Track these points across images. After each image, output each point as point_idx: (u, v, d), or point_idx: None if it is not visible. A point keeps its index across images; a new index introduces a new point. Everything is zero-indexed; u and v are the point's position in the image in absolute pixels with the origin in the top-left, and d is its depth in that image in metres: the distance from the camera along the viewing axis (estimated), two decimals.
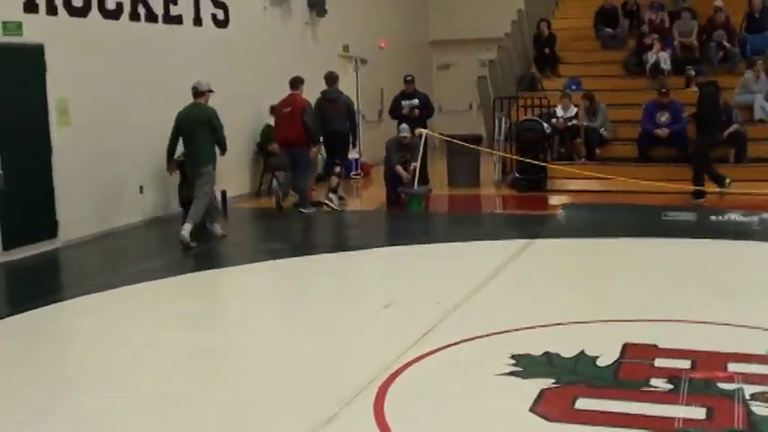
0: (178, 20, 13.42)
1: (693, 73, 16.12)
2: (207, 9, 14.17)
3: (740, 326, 6.59)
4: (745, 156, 14.46)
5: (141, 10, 12.59)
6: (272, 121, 14.80)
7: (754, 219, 11.34)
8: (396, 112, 15.16)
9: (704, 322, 6.71)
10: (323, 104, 13.78)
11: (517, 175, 14.54)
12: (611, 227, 10.96)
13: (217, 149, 10.98)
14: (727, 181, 13.14)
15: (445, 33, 23.36)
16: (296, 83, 13.38)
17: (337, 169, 13.65)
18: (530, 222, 11.92)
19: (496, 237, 10.63)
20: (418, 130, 13.29)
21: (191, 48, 13.40)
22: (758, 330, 6.48)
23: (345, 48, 18.96)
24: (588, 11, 19.35)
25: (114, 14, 12.08)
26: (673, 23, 17.98)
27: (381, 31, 20.70)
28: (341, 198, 13.83)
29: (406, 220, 12.65)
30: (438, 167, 15.97)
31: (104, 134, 11.65)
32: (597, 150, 14.85)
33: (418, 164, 13.13)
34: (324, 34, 18.01)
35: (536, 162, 14.01)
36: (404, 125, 13.67)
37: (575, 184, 14.19)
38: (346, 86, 17.73)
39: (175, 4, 13.31)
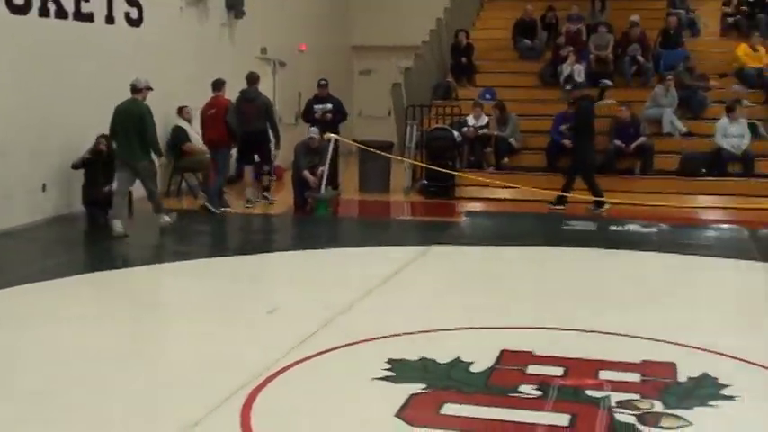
0: (89, 17, 13.16)
1: (569, 87, 16.36)
2: (120, 7, 13.91)
3: (619, 334, 6.67)
4: (651, 168, 14.71)
5: (51, 6, 12.32)
6: (181, 123, 14.70)
7: (653, 229, 11.52)
8: (308, 115, 15.10)
9: (585, 330, 6.77)
10: (241, 104, 13.84)
11: (425, 182, 14.59)
12: (512, 235, 11.05)
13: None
14: (606, 206, 13.36)
15: (367, 39, 23.37)
16: (218, 85, 13.64)
17: (266, 168, 13.99)
18: (432, 229, 11.95)
19: (397, 243, 10.63)
20: (327, 135, 13.24)
21: (102, 46, 13.17)
22: (635, 339, 6.56)
23: (263, 50, 18.84)
24: (508, 22, 19.57)
25: (23, 9, 11.81)
26: (590, 37, 18.24)
27: (301, 34, 20.62)
28: (265, 198, 13.97)
29: (310, 225, 12.58)
30: (351, 173, 15.94)
31: (6, 131, 11.38)
32: (505, 159, 14.96)
33: (326, 168, 13.06)
34: (241, 36, 17.86)
35: (444, 170, 14.06)
36: (313, 128, 13.61)
37: (482, 193, 14.29)
38: (264, 88, 17.59)
39: (87, 0, 13.09)
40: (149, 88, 11.46)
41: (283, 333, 6.69)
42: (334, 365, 5.99)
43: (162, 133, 14.83)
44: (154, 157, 11.53)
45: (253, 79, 14.29)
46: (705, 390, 5.49)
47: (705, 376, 5.72)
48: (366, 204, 14.49)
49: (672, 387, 5.51)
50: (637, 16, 18.46)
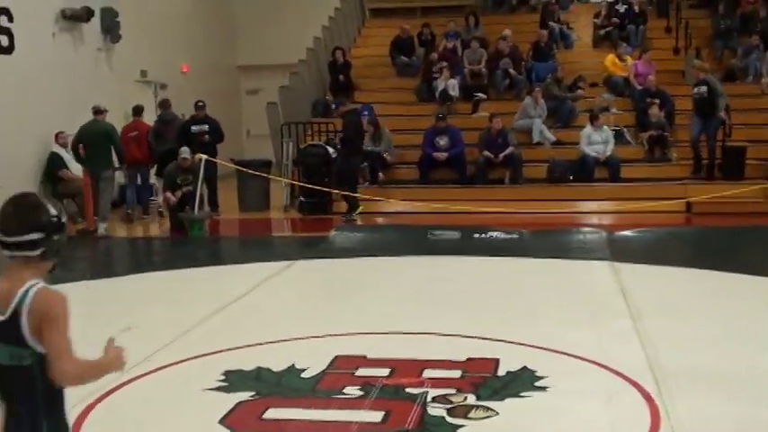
0: None
1: (480, 96, 16.88)
2: None
3: (456, 335, 7.00)
4: (521, 177, 15.20)
5: None
6: (57, 149, 14.71)
7: (515, 236, 11.95)
8: (184, 136, 15.21)
9: (423, 333, 7.08)
10: (160, 127, 15.32)
11: (302, 198, 14.85)
12: (379, 247, 11.35)
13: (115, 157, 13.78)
14: (358, 210, 14.12)
15: (253, 58, 23.56)
16: (138, 110, 15.70)
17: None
18: (302, 244, 12.20)
19: (264, 259, 10.82)
20: (198, 155, 13.39)
21: None
22: (470, 339, 6.91)
23: (143, 73, 18.89)
24: (388, 40, 19.95)
25: None
26: (464, 52, 18.74)
27: (183, 55, 20.71)
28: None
29: (183, 246, 12.69)
30: (232, 192, 16.08)
31: None
32: (380, 174, 15.30)
33: (198, 188, 13.20)
34: (119, 60, 17.88)
35: (317, 187, 14.34)
36: (184, 148, 13.74)
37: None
38: (146, 112, 17.69)
39: None
40: (106, 110, 14.05)
41: (131, 350, 6.83)
42: (171, 379, 6.18)
43: (39, 160, 14.88)
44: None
45: (166, 104, 15.83)
46: (521, 382, 5.85)
47: (524, 370, 6.08)
48: (244, 223, 14.69)
49: (489, 381, 5.86)
50: (508, 31, 19.04)
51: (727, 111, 15.68)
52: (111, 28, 17.34)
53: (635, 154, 16.17)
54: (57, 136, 14.80)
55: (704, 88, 15.08)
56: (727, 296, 8.68)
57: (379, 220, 14.19)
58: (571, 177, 15.20)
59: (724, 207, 14.07)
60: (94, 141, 13.61)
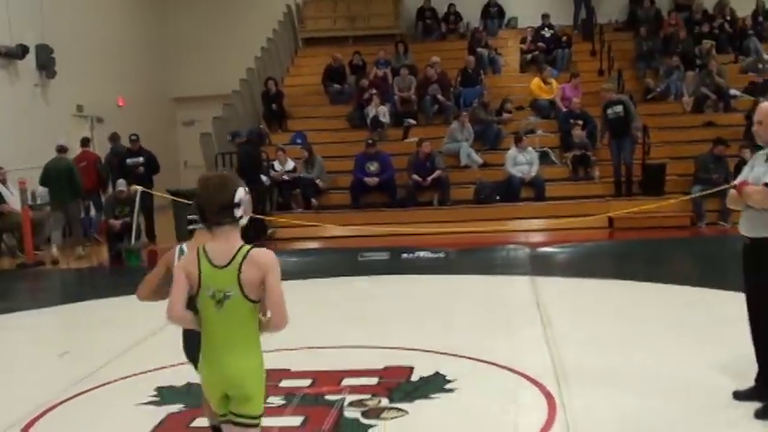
0: None
1: (410, 122, 17.45)
2: None
3: (376, 347, 7.47)
4: (449, 198, 15.75)
5: None
6: None
7: (441, 255, 12.47)
8: (120, 169, 15.54)
9: (343, 347, 7.54)
10: (112, 159, 16.56)
11: None
12: (310, 270, 11.77)
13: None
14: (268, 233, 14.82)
15: (188, 90, 23.91)
16: (86, 141, 16.95)
17: None
18: None
19: None
20: (133, 187, 13.74)
21: None
22: (389, 350, 7.37)
23: (79, 107, 19.19)
24: (321, 68, 20.45)
25: None
26: (394, 79, 19.30)
27: (119, 89, 21.05)
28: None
29: (120, 275, 13.00)
30: (170, 222, 16.37)
31: None
32: (313, 200, 15.75)
33: (135, 219, 13.54)
34: (55, 95, 18.20)
35: (252, 214, 14.71)
36: (120, 180, 14.10)
37: (294, 233, 15.00)
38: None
39: None
40: (67, 149, 15.31)
41: (67, 373, 7.21)
42: (105, 397, 6.57)
43: None
44: None
45: (116, 137, 17.19)
46: (432, 386, 6.35)
47: (436, 375, 6.59)
48: None
49: (402, 386, 6.35)
50: (437, 58, 19.63)
51: (645, 130, 16.37)
52: (46, 64, 17.69)
53: (560, 173, 16.82)
54: None
55: (619, 108, 15.73)
56: (635, 304, 9.29)
57: (313, 244, 14.60)
58: (498, 198, 15.78)
59: (645, 222, 14.77)
60: (59, 177, 14.59)
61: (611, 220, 15.15)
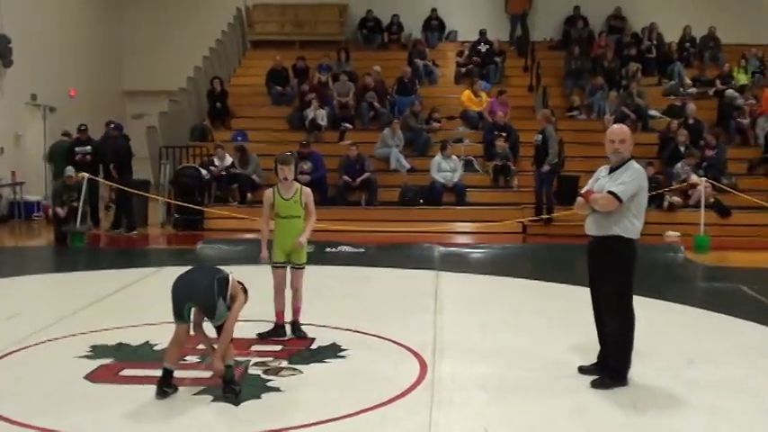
0: None
1: (346, 126, 18.63)
2: None
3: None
4: (376, 199, 16.94)
5: None
6: None
7: (361, 250, 13.66)
8: (69, 157, 16.50)
9: (258, 320, 8.64)
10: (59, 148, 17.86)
11: (177, 216, 16.33)
12: (240, 258, 12.82)
13: None
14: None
15: (138, 84, 24.84)
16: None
17: None
18: (172, 255, 13.67)
19: (137, 266, 12.28)
20: (81, 174, 14.73)
21: None
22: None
23: (33, 96, 20.06)
24: (267, 70, 21.51)
25: None
26: (334, 84, 20.44)
27: (72, 80, 21.91)
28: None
29: (65, 255, 14.00)
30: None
31: None
32: (249, 194, 16.85)
33: (80, 204, 14.53)
34: (10, 84, 19.06)
35: (190, 205, 15.84)
36: (69, 167, 15.10)
37: (228, 224, 16.07)
38: (35, 133, 18.93)
39: None
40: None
41: (15, 332, 8.26)
42: (46, 351, 7.63)
43: None
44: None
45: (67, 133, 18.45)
46: (327, 353, 7.53)
47: (333, 345, 7.75)
48: (122, 237, 16.00)
49: (302, 352, 7.52)
50: (378, 67, 20.83)
51: (560, 144, 17.54)
52: (3, 53, 18.54)
53: (482, 181, 18.10)
54: None
55: (539, 137, 16.57)
56: (524, 298, 10.56)
57: (247, 235, 15.66)
58: (421, 201, 16.99)
59: (557, 230, 16.04)
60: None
61: (524, 226, 16.44)
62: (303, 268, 8.26)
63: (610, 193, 6.64)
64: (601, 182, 6.86)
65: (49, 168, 19.25)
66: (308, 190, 8.30)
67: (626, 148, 6.80)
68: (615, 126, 7.06)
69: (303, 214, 8.15)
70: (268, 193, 8.30)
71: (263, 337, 7.99)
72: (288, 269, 8.26)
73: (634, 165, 6.78)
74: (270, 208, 8.18)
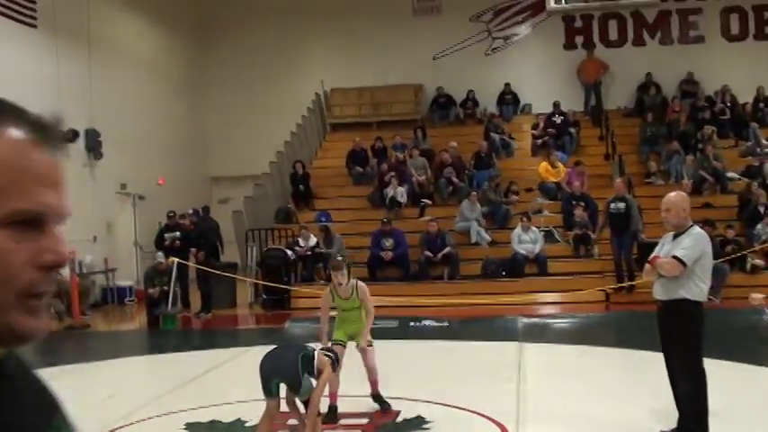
0: None
1: (426, 202, 19.00)
2: None
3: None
4: (458, 273, 17.16)
5: None
6: None
7: (445, 324, 13.88)
8: (160, 242, 17.14)
9: (348, 396, 8.91)
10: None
11: (264, 296, 16.78)
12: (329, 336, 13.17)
13: None
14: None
15: (224, 170, 25.65)
16: None
17: None
18: (259, 334, 14.05)
19: (228, 346, 12.69)
20: (171, 258, 15.32)
21: None
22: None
23: (123, 186, 20.91)
24: (346, 151, 22.08)
25: None
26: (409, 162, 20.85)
27: (160, 168, 22.75)
28: None
29: (157, 337, 14.50)
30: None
31: None
32: None
33: (171, 288, 15.09)
34: (101, 174, 19.93)
35: (277, 285, 16.28)
36: (159, 253, 15.72)
37: (315, 303, 16.32)
38: (125, 221, 19.72)
39: None
40: None
41: (113, 411, 8.66)
42: (145, 429, 8.00)
43: None
44: None
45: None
46: (411, 426, 7.74)
47: (417, 418, 7.96)
48: (213, 319, 16.47)
49: (387, 425, 7.74)
50: (454, 143, 21.22)
51: (640, 211, 17.60)
52: (94, 147, 19.47)
53: (563, 251, 18.18)
54: None
55: (622, 205, 16.45)
56: (605, 366, 10.61)
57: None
58: (504, 273, 17.15)
59: (640, 296, 15.98)
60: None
61: (607, 294, 16.46)
62: (371, 345, 8.42)
63: (674, 257, 6.80)
64: (666, 248, 7.03)
65: (140, 254, 19.99)
66: (363, 286, 8.40)
67: (673, 216, 6.95)
68: (669, 195, 7.25)
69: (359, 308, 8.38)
70: (326, 295, 8.52)
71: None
72: (355, 348, 8.47)
73: (696, 229, 6.97)
74: (328, 307, 8.51)
